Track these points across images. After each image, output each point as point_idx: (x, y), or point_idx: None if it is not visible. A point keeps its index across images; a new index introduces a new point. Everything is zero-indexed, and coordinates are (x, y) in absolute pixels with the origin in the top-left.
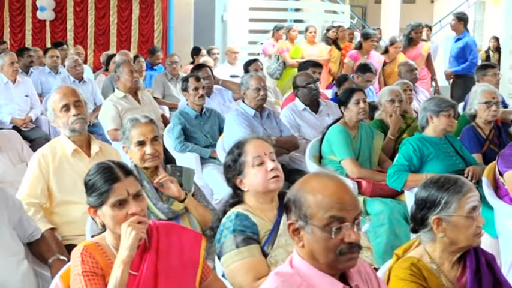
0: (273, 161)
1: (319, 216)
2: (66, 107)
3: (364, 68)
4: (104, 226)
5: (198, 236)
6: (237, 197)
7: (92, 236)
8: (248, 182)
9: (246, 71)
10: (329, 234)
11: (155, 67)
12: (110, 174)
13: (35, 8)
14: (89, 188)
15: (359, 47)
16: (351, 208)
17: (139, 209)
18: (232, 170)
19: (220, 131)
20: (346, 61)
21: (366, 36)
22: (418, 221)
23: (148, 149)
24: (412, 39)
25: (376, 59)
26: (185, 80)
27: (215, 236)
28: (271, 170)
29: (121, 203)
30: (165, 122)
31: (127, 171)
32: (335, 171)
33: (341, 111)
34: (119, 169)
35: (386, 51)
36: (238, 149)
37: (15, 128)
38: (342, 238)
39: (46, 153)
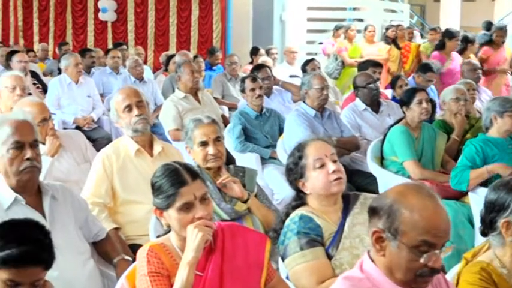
0: (335, 162)
1: (411, 236)
2: (129, 108)
3: (425, 68)
4: (169, 227)
5: (263, 237)
6: (300, 199)
7: (157, 237)
8: (310, 184)
9: (304, 70)
10: (416, 256)
11: (214, 67)
12: (177, 177)
13: (96, 10)
14: (156, 190)
15: (441, 46)
16: (444, 235)
17: (206, 213)
18: (294, 173)
19: (281, 131)
20: None
21: (450, 35)
22: (487, 224)
23: (211, 150)
24: (493, 41)
25: (459, 61)
26: (242, 81)
27: (278, 238)
28: (333, 172)
29: (188, 207)
30: (225, 122)
31: (194, 174)
32: (397, 173)
33: (403, 112)
34: (186, 172)
35: (463, 51)
36: (298, 151)
37: (77, 128)
38: (426, 263)
39: (110, 153)
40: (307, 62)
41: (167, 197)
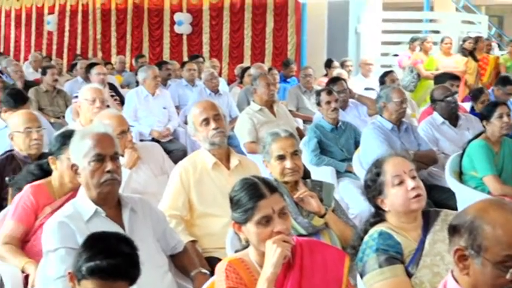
0: (414, 178)
1: (495, 252)
2: (206, 121)
3: (505, 81)
4: (247, 242)
5: (342, 253)
6: (379, 216)
7: (235, 252)
8: (389, 202)
9: (382, 82)
10: (501, 272)
11: (288, 79)
12: (255, 191)
13: (172, 23)
14: (234, 204)
15: None
16: None
17: (285, 227)
18: (372, 190)
19: (356, 145)
20: None
21: None
22: None
23: (288, 163)
24: None
25: None
26: (318, 94)
27: (356, 255)
28: (413, 188)
29: (266, 221)
30: (300, 135)
31: (272, 188)
32: (476, 188)
33: (483, 126)
34: (264, 186)
35: None
36: (376, 168)
37: (154, 139)
38: None
39: (187, 166)
40: (385, 74)
41: (245, 210)
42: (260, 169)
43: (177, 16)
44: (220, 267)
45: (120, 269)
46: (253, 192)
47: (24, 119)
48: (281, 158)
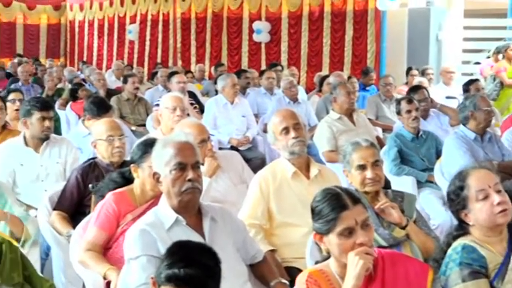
0: (499, 192)
1: None
2: (286, 130)
3: None
4: (328, 253)
5: (425, 266)
6: (462, 229)
7: (316, 263)
8: (473, 216)
9: (466, 91)
10: None
11: (368, 88)
12: (338, 201)
13: (251, 31)
14: (316, 214)
15: None
16: None
17: (367, 239)
18: (456, 204)
19: (438, 154)
20: None
21: None
22: None
23: (369, 173)
24: None
25: None
26: (398, 102)
27: (439, 268)
28: (498, 204)
29: (349, 232)
30: (380, 144)
31: (355, 199)
32: None
33: None
34: (347, 196)
35: None
36: (460, 181)
37: (232, 147)
38: None
39: (267, 175)
40: (469, 83)
41: (327, 221)
42: (340, 179)
43: (256, 25)
44: (300, 279)
45: (196, 280)
46: (336, 203)
47: (107, 127)
48: (362, 167)
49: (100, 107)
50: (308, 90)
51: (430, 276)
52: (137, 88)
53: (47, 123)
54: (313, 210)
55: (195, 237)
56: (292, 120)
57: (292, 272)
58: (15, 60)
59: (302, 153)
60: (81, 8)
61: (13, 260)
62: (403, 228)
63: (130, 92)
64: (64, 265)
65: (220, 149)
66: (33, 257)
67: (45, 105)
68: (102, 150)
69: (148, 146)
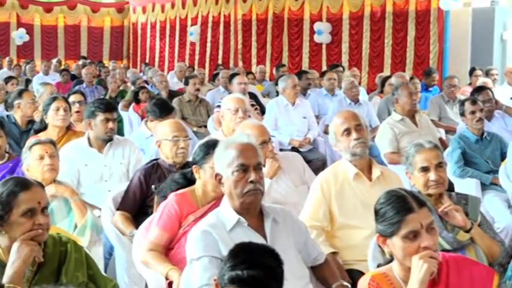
0: None
1: None
2: (348, 131)
3: None
4: (391, 256)
5: (490, 271)
6: None
7: (378, 266)
8: None
9: None
10: None
11: (430, 89)
12: (403, 204)
13: (312, 32)
14: (380, 216)
15: None
16: None
17: (432, 242)
18: None
19: (502, 157)
20: None
21: None
22: None
23: (432, 175)
24: None
25: None
26: (462, 103)
27: (505, 273)
28: None
29: (414, 235)
30: (443, 145)
31: (421, 202)
32: None
33: None
34: (413, 199)
35: None
36: None
37: (293, 149)
38: None
39: (328, 177)
40: None
41: (392, 224)
42: (402, 181)
43: (317, 25)
44: (363, 282)
45: (259, 281)
46: (401, 205)
47: (173, 128)
48: (425, 169)
49: (162, 108)
50: (369, 91)
51: (495, 281)
52: (198, 89)
53: (110, 124)
54: (376, 212)
55: (257, 239)
56: (354, 122)
57: (353, 275)
58: (80, 62)
59: (364, 154)
60: (144, 10)
61: (78, 260)
62: (468, 231)
63: (191, 94)
64: (127, 265)
65: (280, 150)
66: (97, 257)
67: (108, 106)
68: (167, 150)
69: (210, 147)
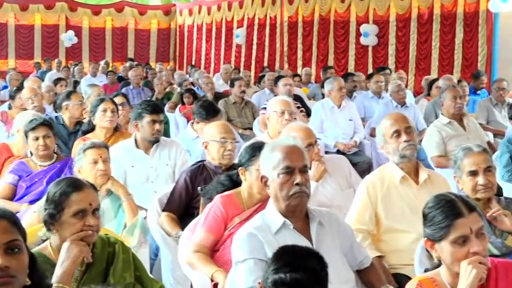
0: None
1: None
2: (397, 133)
3: None
4: (439, 260)
5: None
6: None
7: (425, 270)
8: None
9: None
10: None
11: (478, 92)
12: (452, 208)
13: (358, 34)
14: (428, 220)
15: None
16: None
17: (481, 248)
18: None
19: None
20: None
21: None
22: None
23: (480, 180)
24: None
25: None
26: (510, 107)
27: None
28: None
29: (463, 240)
30: (491, 149)
31: (471, 207)
32: None
33: None
34: (462, 204)
35: None
36: None
37: (338, 152)
38: None
39: (374, 180)
40: None
41: (440, 228)
42: (450, 185)
43: (363, 28)
44: (409, 287)
45: (302, 285)
46: (450, 210)
47: (221, 130)
48: (473, 173)
49: (209, 110)
50: (416, 93)
51: None
52: (244, 91)
53: (157, 126)
54: (425, 216)
55: (302, 241)
56: (404, 124)
57: (399, 279)
58: (127, 64)
59: (412, 157)
60: (190, 12)
61: (125, 261)
62: None
63: (237, 96)
64: (172, 266)
65: (326, 153)
66: (143, 257)
67: (155, 108)
68: (214, 151)
69: (256, 149)
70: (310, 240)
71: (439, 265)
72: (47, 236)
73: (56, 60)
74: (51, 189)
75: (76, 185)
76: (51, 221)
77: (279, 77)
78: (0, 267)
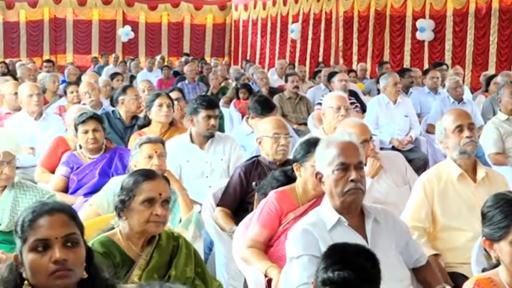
0: None
1: None
2: (460, 128)
3: None
4: (498, 260)
5: None
6: None
7: (483, 270)
8: None
9: None
10: None
11: None
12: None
13: (414, 29)
14: (487, 219)
15: None
16: None
17: None
18: None
19: None
20: None
21: None
22: None
23: None
24: None
25: None
26: None
27: None
28: None
29: None
30: None
31: None
32: None
33: None
34: None
35: None
36: None
37: (393, 148)
38: None
39: (431, 177)
40: None
41: (500, 228)
42: (509, 183)
43: (420, 23)
44: (467, 286)
45: (350, 283)
46: (510, 210)
47: (274, 125)
48: None
49: (264, 106)
50: (473, 90)
51: None
52: (297, 87)
53: (212, 121)
54: (484, 215)
55: (357, 239)
56: (467, 120)
57: (456, 278)
58: (182, 59)
59: (473, 154)
60: (246, 7)
61: (187, 255)
62: None
63: (291, 91)
64: (226, 261)
65: (381, 149)
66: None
67: (211, 103)
68: (267, 147)
69: (311, 145)
70: (365, 237)
71: (497, 265)
72: (118, 224)
73: (113, 55)
74: (126, 178)
75: (148, 174)
76: (122, 207)
77: (333, 73)
78: (58, 260)
